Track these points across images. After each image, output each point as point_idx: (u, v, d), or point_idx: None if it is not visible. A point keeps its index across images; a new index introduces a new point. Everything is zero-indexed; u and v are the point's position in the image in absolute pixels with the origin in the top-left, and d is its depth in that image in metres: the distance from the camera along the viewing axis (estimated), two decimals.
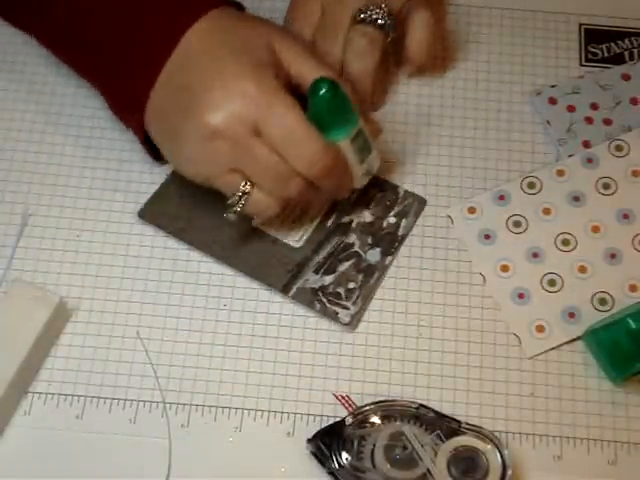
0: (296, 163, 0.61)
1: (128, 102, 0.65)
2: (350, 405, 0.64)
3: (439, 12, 0.77)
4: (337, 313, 0.67)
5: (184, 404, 0.64)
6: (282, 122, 0.60)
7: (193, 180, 0.64)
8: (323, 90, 0.60)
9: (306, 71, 0.63)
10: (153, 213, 0.70)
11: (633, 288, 0.68)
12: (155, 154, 0.69)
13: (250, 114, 0.60)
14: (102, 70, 0.67)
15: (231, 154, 0.61)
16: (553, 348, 0.67)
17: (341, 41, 0.70)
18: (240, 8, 0.68)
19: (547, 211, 0.71)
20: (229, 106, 0.60)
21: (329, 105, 0.61)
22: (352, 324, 0.67)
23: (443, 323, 0.67)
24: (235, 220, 0.64)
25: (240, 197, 0.62)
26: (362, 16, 0.70)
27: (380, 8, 0.70)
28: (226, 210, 0.63)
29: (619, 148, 0.72)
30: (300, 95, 0.62)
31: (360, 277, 0.68)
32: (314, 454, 0.62)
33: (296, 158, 0.61)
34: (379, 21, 0.70)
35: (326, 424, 0.63)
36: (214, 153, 0.61)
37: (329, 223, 0.70)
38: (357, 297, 0.67)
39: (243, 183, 0.62)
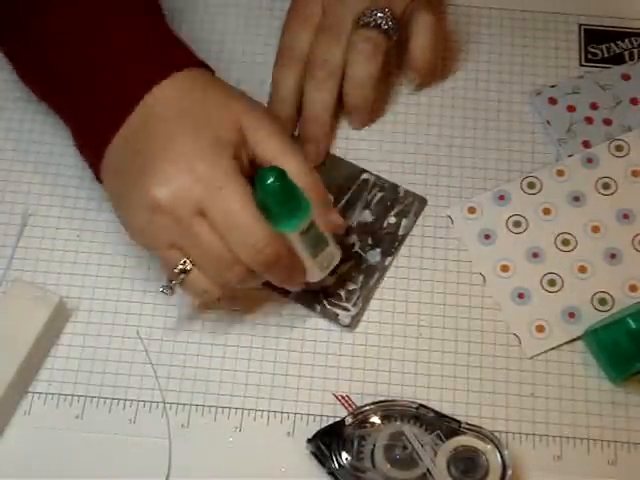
0: (238, 250, 0.58)
1: (89, 149, 0.63)
2: (350, 405, 0.64)
3: (439, 12, 0.77)
4: (337, 315, 0.67)
5: (184, 404, 0.64)
6: (227, 206, 0.57)
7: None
8: (270, 180, 0.56)
9: (270, 153, 0.60)
10: None
11: (633, 288, 0.68)
12: None
13: (196, 194, 0.57)
14: (69, 112, 0.65)
15: (172, 231, 0.58)
16: (553, 348, 0.67)
17: (343, 43, 0.70)
18: (211, 72, 0.64)
19: (547, 211, 0.71)
20: (176, 182, 0.57)
21: (276, 196, 0.57)
22: (352, 325, 0.67)
23: (443, 323, 0.67)
24: (171, 296, 0.61)
25: (178, 274, 0.59)
26: (366, 20, 0.70)
27: (383, 12, 0.70)
28: (163, 285, 0.61)
29: (619, 148, 0.72)
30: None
31: (360, 278, 0.68)
32: (314, 454, 0.62)
33: (239, 245, 0.58)
34: (383, 26, 0.70)
35: (326, 424, 0.63)
36: (155, 227, 0.58)
37: None
38: (357, 298, 0.67)
39: (182, 261, 0.59)
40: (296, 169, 0.60)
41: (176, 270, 0.59)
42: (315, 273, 0.63)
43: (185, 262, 0.59)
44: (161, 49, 0.62)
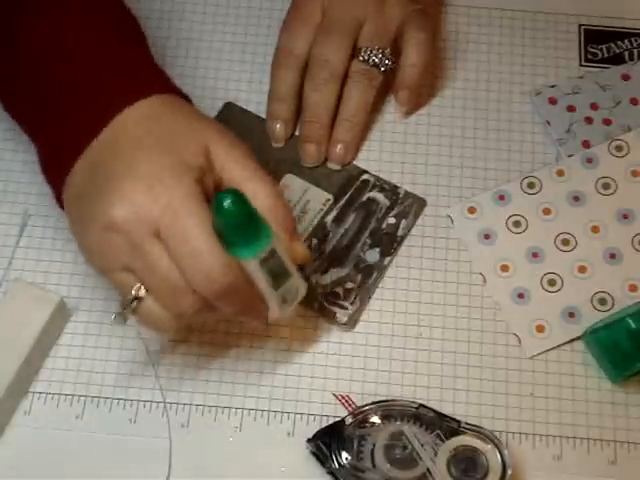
0: (192, 278, 0.54)
1: (52, 169, 0.61)
2: (350, 405, 0.64)
3: (434, 24, 0.76)
4: (335, 313, 0.67)
5: (184, 404, 0.64)
6: (182, 230, 0.54)
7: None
8: (226, 202, 0.53)
9: (236, 179, 0.58)
10: None
11: (633, 288, 0.68)
12: None
13: (152, 215, 0.54)
14: (36, 131, 0.62)
15: (126, 252, 0.55)
16: (553, 348, 0.67)
17: (345, 43, 0.70)
18: (187, 100, 0.62)
19: (547, 211, 0.71)
20: (133, 201, 0.55)
21: (231, 219, 0.54)
22: (350, 324, 0.67)
23: (443, 323, 0.67)
24: (123, 324, 0.58)
25: (131, 301, 0.56)
26: (365, 57, 0.71)
27: (383, 54, 0.71)
28: (115, 312, 0.57)
29: (619, 148, 0.72)
30: None
31: (359, 277, 0.68)
32: (314, 454, 0.62)
33: (192, 272, 0.54)
34: (381, 67, 0.71)
35: (326, 424, 0.63)
36: (108, 246, 0.56)
37: (328, 222, 0.70)
38: (355, 297, 0.67)
39: (136, 287, 0.56)
40: (261, 195, 0.57)
41: (129, 296, 0.56)
42: (276, 308, 0.59)
43: (139, 288, 0.56)
44: (134, 72, 0.60)
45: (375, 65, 0.71)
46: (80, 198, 0.58)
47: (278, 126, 0.72)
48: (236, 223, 0.54)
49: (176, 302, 0.56)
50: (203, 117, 0.60)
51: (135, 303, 0.56)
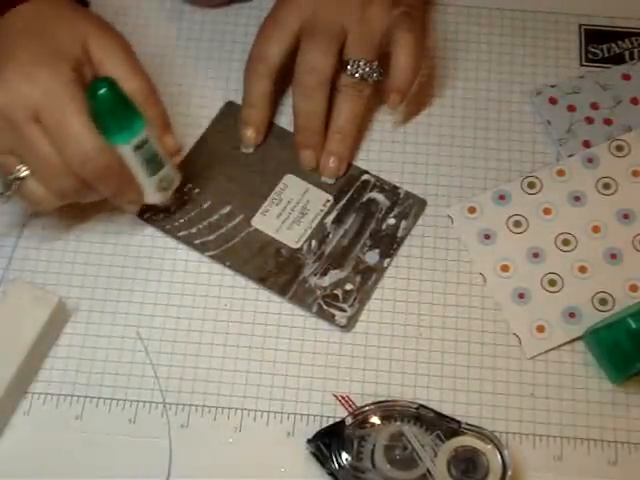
0: (69, 159, 0.59)
1: None
2: (350, 405, 0.64)
3: (421, 25, 0.75)
4: (334, 316, 0.67)
5: (184, 404, 0.64)
6: (60, 114, 0.59)
7: None
8: (101, 90, 0.58)
9: (113, 74, 0.61)
10: (153, 213, 0.70)
11: (633, 288, 0.68)
12: None
13: (32, 99, 0.59)
14: None
15: (7, 135, 0.60)
16: (553, 348, 0.67)
17: (332, 49, 0.69)
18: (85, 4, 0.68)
19: (547, 211, 0.71)
20: (14, 87, 0.59)
21: (106, 105, 0.59)
22: (348, 327, 0.67)
23: (443, 323, 0.67)
24: (5, 203, 0.62)
25: (12, 181, 0.61)
26: (352, 71, 0.70)
27: (371, 67, 0.69)
28: None
29: (619, 148, 0.72)
30: None
31: (358, 279, 0.68)
32: (314, 454, 0.62)
33: (69, 154, 0.59)
34: (369, 80, 0.70)
35: (326, 424, 0.63)
36: None
37: (328, 223, 0.70)
38: (354, 299, 0.67)
39: (18, 168, 0.60)
40: (137, 87, 0.61)
41: (11, 177, 0.60)
42: (151, 193, 0.65)
43: (20, 169, 0.60)
44: None
45: (363, 79, 0.70)
46: None
47: (249, 132, 0.72)
48: (110, 109, 0.59)
49: (56, 182, 0.61)
50: (86, 13, 0.65)
51: (18, 183, 0.61)
